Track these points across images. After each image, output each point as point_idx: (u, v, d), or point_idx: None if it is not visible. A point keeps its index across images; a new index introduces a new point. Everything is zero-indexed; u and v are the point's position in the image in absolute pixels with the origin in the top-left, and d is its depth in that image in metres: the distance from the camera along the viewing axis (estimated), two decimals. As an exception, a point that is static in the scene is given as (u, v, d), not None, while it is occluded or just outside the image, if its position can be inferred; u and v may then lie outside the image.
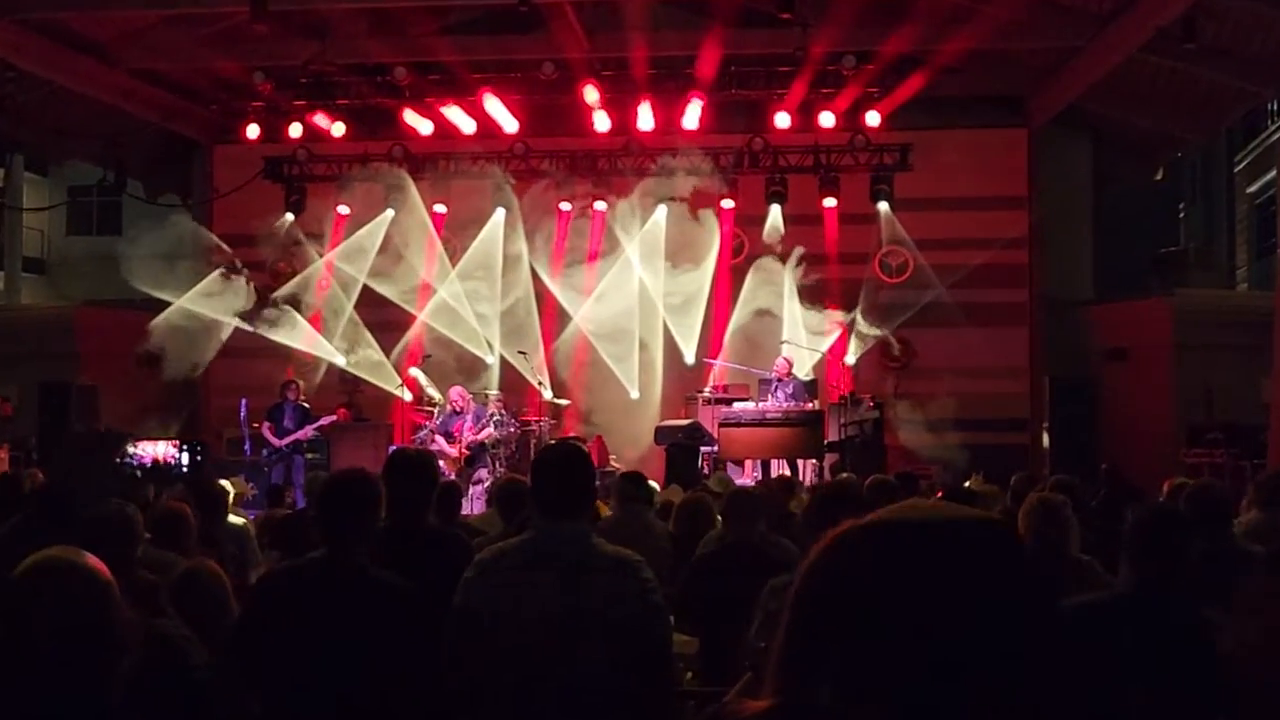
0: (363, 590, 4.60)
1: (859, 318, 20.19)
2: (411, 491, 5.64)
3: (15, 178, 28.78)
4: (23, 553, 3.08)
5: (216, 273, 20.20)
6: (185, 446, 18.45)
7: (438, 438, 17.69)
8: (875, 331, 20.19)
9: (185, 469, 17.84)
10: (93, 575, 2.70)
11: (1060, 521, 6.22)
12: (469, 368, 20.06)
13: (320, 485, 5.23)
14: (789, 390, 17.97)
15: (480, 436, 17.65)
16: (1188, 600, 4.55)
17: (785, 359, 18.50)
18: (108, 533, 4.99)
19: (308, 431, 18.13)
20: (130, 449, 17.83)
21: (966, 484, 11.88)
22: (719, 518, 7.84)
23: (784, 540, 7.22)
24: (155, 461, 17.89)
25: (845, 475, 12.71)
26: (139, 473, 17.37)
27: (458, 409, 17.86)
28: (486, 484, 15.50)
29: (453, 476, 15.05)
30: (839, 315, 20.10)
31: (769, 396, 18.10)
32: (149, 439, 18.45)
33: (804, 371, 19.17)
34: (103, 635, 2.66)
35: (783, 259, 19.98)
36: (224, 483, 9.86)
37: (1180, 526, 4.81)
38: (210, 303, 20.02)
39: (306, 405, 18.49)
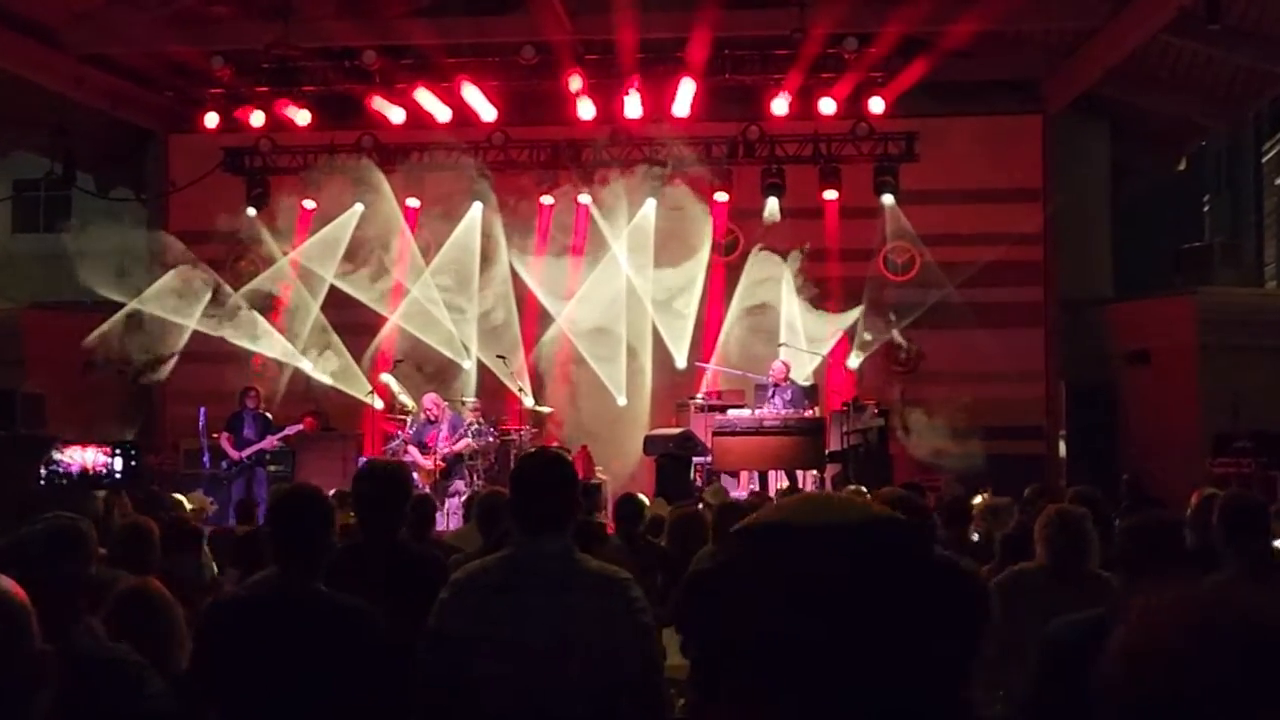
0: (319, 615, 4.56)
1: (862, 319, 20.16)
2: (382, 506, 5.62)
3: (-45, 171, 28.66)
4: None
5: (176, 271, 20.16)
6: (118, 451, 18.23)
7: (411, 448, 17.65)
8: (881, 333, 20.15)
9: (119, 475, 17.64)
10: (4, 599, 2.66)
11: (1079, 536, 6.21)
12: (444, 373, 20.05)
13: (269, 502, 5.18)
14: (787, 396, 17.92)
15: (457, 448, 17.60)
16: None
17: (783, 362, 18.47)
18: (55, 551, 4.94)
19: (270, 442, 18.06)
20: (56, 455, 17.63)
21: (976, 500, 11.83)
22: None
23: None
24: (84, 470, 17.67)
25: (854, 487, 12.69)
26: (64, 481, 17.15)
27: (432, 418, 17.82)
28: (463, 497, 15.45)
29: (427, 490, 15.03)
30: (841, 320, 20.06)
31: (765, 403, 18.06)
32: (78, 444, 18.25)
33: (803, 376, 19.15)
34: (12, 667, 2.62)
35: (782, 254, 19.96)
36: (179, 496, 9.82)
37: (1174, 536, 4.81)
38: (166, 304, 19.99)
39: (268, 414, 18.44)
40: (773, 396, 18.02)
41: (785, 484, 16.91)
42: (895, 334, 20.24)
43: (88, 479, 17.14)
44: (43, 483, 16.89)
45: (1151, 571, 4.59)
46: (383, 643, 4.51)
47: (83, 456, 17.54)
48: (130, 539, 6.57)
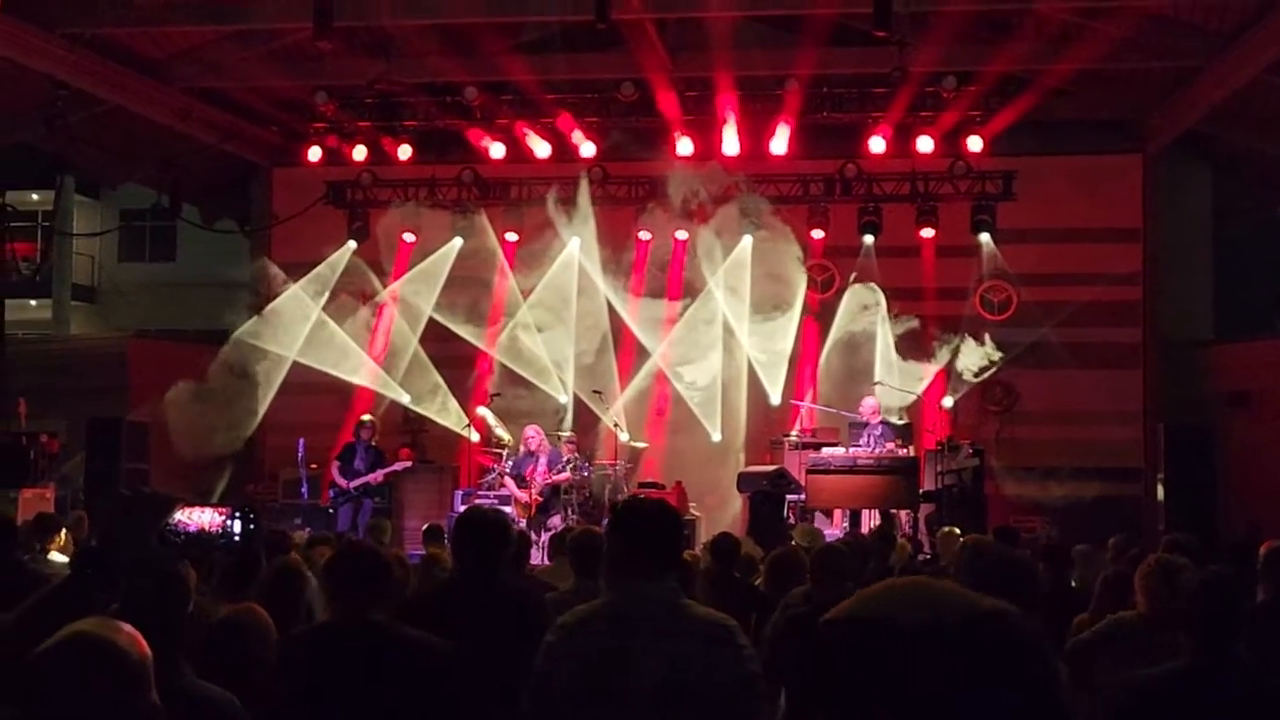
0: (379, 645, 4.73)
1: (957, 357, 19.91)
2: (482, 552, 5.76)
3: (65, 201, 29.07)
4: (62, 620, 3.05)
5: (276, 301, 20.43)
6: (237, 514, 18.34)
7: (508, 480, 17.65)
8: (980, 356, 19.79)
9: (236, 538, 17.74)
10: (123, 657, 2.65)
11: (1181, 587, 6.07)
12: (540, 407, 20.03)
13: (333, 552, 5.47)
14: (877, 433, 17.78)
15: (557, 479, 17.56)
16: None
17: (874, 400, 18.29)
18: (161, 596, 4.98)
19: (379, 476, 18.11)
20: (176, 515, 17.80)
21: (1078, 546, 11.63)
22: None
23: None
24: (201, 530, 17.76)
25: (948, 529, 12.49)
26: (179, 540, 17.29)
27: (532, 449, 17.79)
28: (555, 532, 15.42)
29: (523, 524, 15.02)
30: (935, 365, 19.81)
31: (857, 441, 17.91)
32: (197, 505, 18.40)
33: (897, 414, 19.00)
34: (135, 717, 2.62)
35: (885, 295, 19.80)
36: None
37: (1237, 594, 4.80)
38: (268, 335, 20.23)
39: (380, 448, 18.51)
40: (863, 435, 17.88)
41: (878, 522, 16.74)
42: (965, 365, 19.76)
43: (203, 540, 17.28)
44: (159, 543, 17.09)
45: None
46: (448, 672, 4.68)
47: (200, 518, 17.67)
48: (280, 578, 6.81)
